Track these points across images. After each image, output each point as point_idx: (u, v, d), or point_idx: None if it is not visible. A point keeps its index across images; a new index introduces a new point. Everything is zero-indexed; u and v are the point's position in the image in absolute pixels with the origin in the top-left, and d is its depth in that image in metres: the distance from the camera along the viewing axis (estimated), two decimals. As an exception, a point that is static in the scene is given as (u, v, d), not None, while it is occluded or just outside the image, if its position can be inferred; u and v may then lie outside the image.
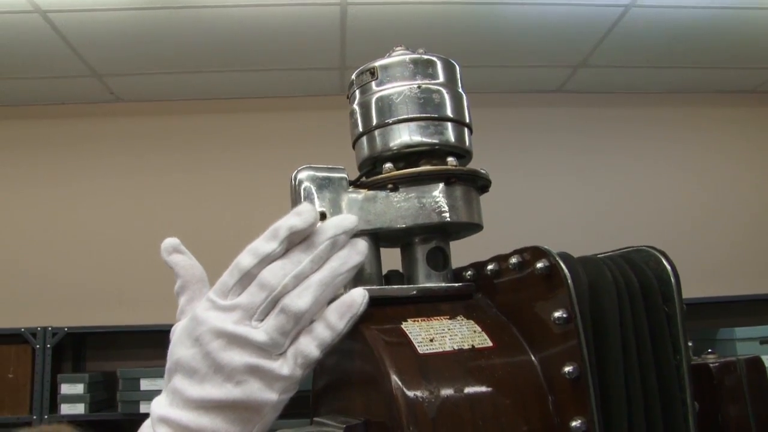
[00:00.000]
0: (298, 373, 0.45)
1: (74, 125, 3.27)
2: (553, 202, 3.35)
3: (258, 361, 0.44)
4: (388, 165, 0.53)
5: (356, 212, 0.52)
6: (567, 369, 0.43)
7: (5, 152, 3.24)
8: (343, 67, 3.13)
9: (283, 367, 0.44)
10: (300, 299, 0.45)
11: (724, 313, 3.22)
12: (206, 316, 0.45)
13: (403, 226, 0.52)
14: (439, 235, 0.54)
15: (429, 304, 0.51)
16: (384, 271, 0.55)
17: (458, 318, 0.50)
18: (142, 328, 2.71)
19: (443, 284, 0.52)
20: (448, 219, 0.52)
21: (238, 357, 0.44)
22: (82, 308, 2.97)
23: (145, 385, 2.63)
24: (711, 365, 0.65)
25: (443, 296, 0.52)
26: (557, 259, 0.45)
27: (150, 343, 2.82)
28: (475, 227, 0.55)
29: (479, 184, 0.56)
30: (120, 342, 3.03)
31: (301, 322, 0.45)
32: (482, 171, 0.55)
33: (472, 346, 0.47)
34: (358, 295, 0.46)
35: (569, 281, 0.44)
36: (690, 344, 0.48)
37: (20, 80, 3.05)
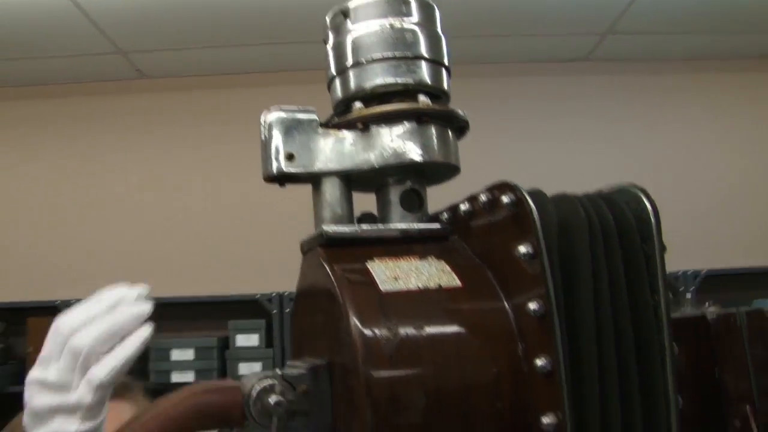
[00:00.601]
0: (87, 398, 0.52)
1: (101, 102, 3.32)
2: (580, 171, 3.29)
3: (55, 398, 0.52)
4: (358, 104, 0.52)
5: (327, 154, 0.51)
6: (532, 306, 0.42)
7: (31, 130, 3.29)
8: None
9: (73, 395, 0.52)
10: (82, 338, 0.53)
11: (762, 284, 3.14)
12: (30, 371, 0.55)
13: (375, 166, 0.51)
14: (413, 176, 0.53)
15: (399, 245, 0.50)
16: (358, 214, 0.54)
17: (428, 258, 0.48)
18: (174, 300, 2.76)
19: (416, 225, 0.51)
20: (419, 159, 0.51)
21: (42, 400, 0.52)
22: (113, 280, 3.02)
23: (176, 355, 2.68)
24: (708, 317, 0.62)
25: (415, 237, 0.50)
26: (523, 192, 0.43)
27: (180, 315, 2.86)
28: (452, 169, 0.54)
29: (456, 125, 0.54)
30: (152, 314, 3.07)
31: (84, 357, 0.52)
32: (459, 111, 0.54)
33: (439, 285, 0.46)
34: (144, 329, 0.56)
35: (534, 214, 0.42)
36: (688, 296, 0.46)
37: (44, 60, 3.09)
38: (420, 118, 0.51)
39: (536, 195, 0.44)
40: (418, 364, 0.42)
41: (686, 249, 2.84)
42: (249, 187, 3.12)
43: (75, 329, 0.53)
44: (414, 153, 0.51)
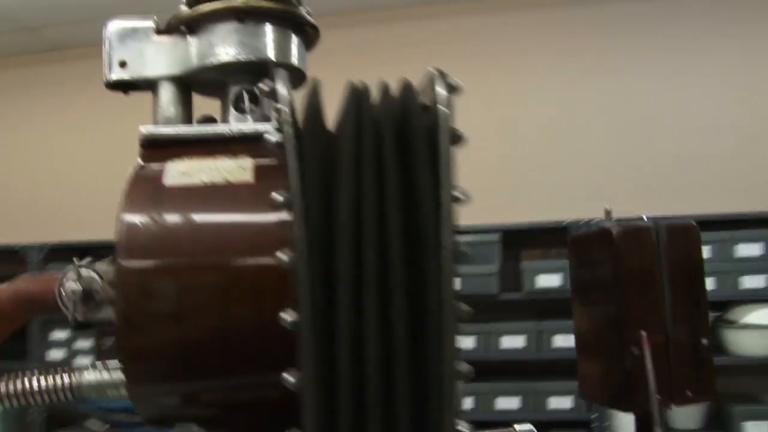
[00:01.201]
0: None
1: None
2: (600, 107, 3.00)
3: None
4: (183, 7, 0.52)
5: (160, 59, 0.52)
6: (279, 198, 0.40)
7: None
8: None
9: None
10: None
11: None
12: None
13: (197, 67, 0.51)
14: (251, 76, 0.52)
15: (218, 145, 0.49)
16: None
17: (238, 156, 0.48)
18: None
19: (234, 126, 0.51)
20: (237, 58, 0.50)
21: None
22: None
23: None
24: (614, 231, 0.56)
25: (234, 138, 0.50)
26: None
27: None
28: (293, 71, 0.53)
29: (293, 23, 0.52)
30: None
31: None
32: (298, 11, 0.52)
33: (228, 180, 0.46)
34: None
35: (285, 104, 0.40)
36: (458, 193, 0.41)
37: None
38: (239, 16, 0.50)
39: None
40: (176, 255, 0.43)
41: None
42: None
43: None
44: (231, 52, 0.50)
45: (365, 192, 0.40)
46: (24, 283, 0.49)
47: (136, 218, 0.43)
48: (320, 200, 0.40)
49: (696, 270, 0.57)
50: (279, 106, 0.40)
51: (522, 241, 2.90)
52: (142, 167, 0.47)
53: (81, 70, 2.97)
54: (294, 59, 0.52)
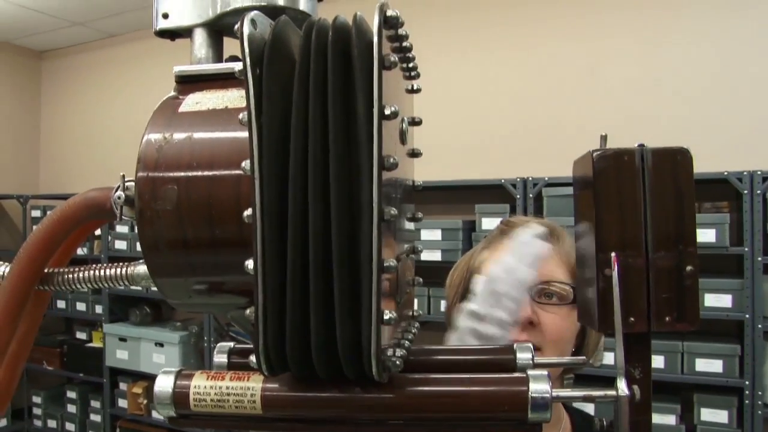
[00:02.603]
0: None
1: None
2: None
3: None
4: (208, -37, 0.61)
5: (195, 10, 0.62)
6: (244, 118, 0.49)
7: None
8: None
9: None
10: None
11: None
12: None
13: (225, 12, 0.61)
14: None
15: (232, 79, 0.59)
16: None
17: (241, 87, 0.57)
18: (425, 185, 3.01)
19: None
20: (253, 3, 0.59)
21: None
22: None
23: (425, 235, 2.94)
24: (593, 155, 0.58)
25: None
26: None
27: (431, 199, 3.09)
28: (298, 12, 0.60)
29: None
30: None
31: None
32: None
33: (227, 107, 0.56)
34: None
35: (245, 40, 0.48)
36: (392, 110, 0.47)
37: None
38: (251, -33, 0.58)
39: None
40: (176, 166, 0.53)
41: None
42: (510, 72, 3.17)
43: None
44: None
45: (312, 113, 0.47)
46: (91, 192, 0.63)
47: (152, 137, 0.54)
48: (273, 118, 0.48)
49: (683, 196, 0.57)
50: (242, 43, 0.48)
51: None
52: (168, 99, 0.58)
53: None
54: (300, 4, 0.60)
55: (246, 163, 0.48)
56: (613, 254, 0.56)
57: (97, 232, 4.14)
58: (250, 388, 0.52)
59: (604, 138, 0.60)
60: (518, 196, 2.87)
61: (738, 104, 2.85)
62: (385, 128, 0.47)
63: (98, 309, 4.30)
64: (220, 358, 0.61)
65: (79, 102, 5.04)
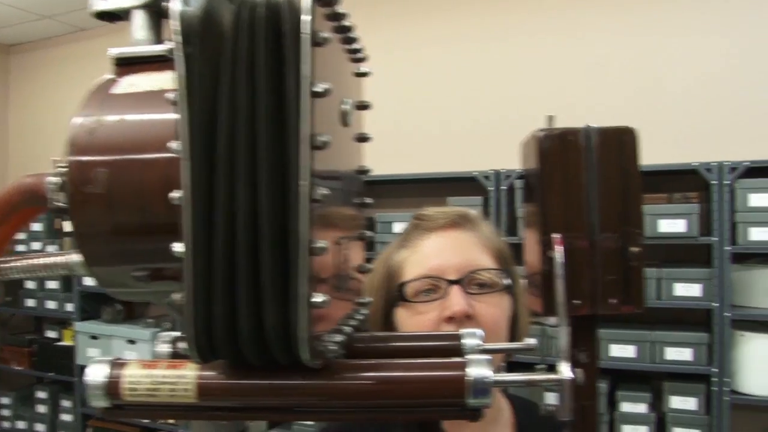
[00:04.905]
0: None
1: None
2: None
3: None
4: (143, -59, 0.59)
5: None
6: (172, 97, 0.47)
7: None
8: None
9: None
10: None
11: None
12: None
13: (156, -5, 0.59)
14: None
15: (168, 61, 0.57)
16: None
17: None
18: (397, 178, 3.01)
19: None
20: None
21: None
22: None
23: (397, 228, 2.94)
24: (540, 133, 0.57)
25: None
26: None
27: (403, 192, 3.11)
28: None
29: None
30: (381, 191, 3.37)
31: None
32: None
33: (161, 88, 0.54)
34: None
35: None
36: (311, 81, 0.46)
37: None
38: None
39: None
40: (109, 150, 0.52)
41: None
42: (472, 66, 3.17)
43: None
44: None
45: (238, 91, 0.46)
46: (25, 178, 0.61)
47: (81, 121, 0.52)
48: (203, 97, 0.46)
49: (629, 176, 0.57)
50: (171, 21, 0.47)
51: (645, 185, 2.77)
52: (103, 81, 0.56)
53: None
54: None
55: (175, 144, 0.46)
56: (556, 236, 0.55)
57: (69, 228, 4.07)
58: (184, 376, 0.51)
59: (550, 118, 0.59)
60: (491, 189, 2.87)
61: (707, 97, 2.88)
62: (318, 107, 0.46)
63: (69, 307, 4.24)
64: (162, 347, 0.60)
65: (48, 97, 4.96)
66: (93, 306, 4.22)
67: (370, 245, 2.98)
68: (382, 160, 3.20)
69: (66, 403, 4.33)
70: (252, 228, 0.45)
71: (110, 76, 0.58)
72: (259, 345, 0.45)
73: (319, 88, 0.44)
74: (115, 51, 0.59)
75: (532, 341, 0.64)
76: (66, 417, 4.33)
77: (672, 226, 2.60)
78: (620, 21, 3.03)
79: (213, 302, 0.45)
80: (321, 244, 0.44)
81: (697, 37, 2.90)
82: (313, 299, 0.44)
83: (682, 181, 2.72)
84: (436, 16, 3.40)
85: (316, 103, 0.45)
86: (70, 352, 4.19)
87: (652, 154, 2.61)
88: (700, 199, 2.67)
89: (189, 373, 0.51)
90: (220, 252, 0.45)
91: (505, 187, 2.84)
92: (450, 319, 0.87)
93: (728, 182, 2.54)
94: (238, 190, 0.45)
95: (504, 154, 2.98)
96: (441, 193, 2.89)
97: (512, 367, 2.55)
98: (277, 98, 0.46)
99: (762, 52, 2.81)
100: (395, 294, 0.95)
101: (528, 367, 0.55)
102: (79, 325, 4.11)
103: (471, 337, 0.60)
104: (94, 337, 4.04)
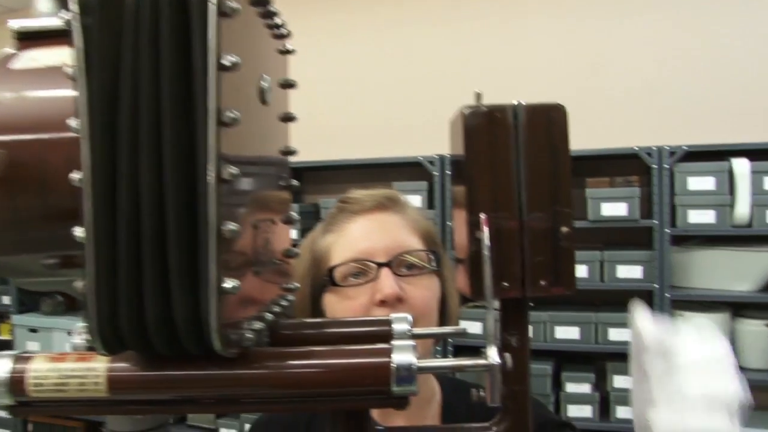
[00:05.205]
0: None
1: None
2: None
3: None
4: None
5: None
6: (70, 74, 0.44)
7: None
8: None
9: None
10: None
11: None
12: None
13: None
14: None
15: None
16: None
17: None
18: (342, 163, 2.99)
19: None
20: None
21: None
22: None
23: (345, 213, 2.91)
24: (465, 110, 0.55)
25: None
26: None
27: (349, 178, 3.08)
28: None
29: None
30: (326, 176, 3.35)
31: None
32: None
33: (64, 62, 0.50)
34: None
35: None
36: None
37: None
38: None
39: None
40: (5, 128, 0.48)
41: None
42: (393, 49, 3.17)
43: None
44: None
45: (141, 65, 0.43)
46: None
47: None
48: (103, 70, 0.43)
49: (558, 153, 0.56)
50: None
51: (588, 169, 2.82)
52: (2, 56, 0.52)
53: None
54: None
55: (74, 121, 0.43)
56: (482, 216, 0.54)
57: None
58: (94, 369, 0.48)
59: (478, 95, 0.58)
60: (436, 173, 2.86)
61: (648, 83, 2.93)
62: (228, 82, 0.43)
63: (5, 300, 4.08)
64: (78, 339, 0.56)
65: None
66: (32, 299, 4.08)
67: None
68: (327, 145, 3.20)
69: (5, 400, 4.18)
70: (158, 210, 0.42)
71: (10, 50, 0.54)
72: (169, 335, 0.43)
73: (227, 61, 0.42)
74: (16, 24, 0.55)
75: (461, 327, 0.63)
76: (4, 414, 4.18)
77: (614, 209, 2.65)
78: (560, 4, 3.06)
79: (117, 290, 0.43)
80: (232, 226, 0.41)
81: (639, 23, 2.95)
82: (224, 285, 0.41)
83: (624, 165, 2.76)
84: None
85: (226, 78, 0.42)
86: (8, 346, 4.05)
87: (594, 139, 2.67)
88: (641, 183, 2.72)
89: (99, 366, 0.48)
90: (124, 236, 0.42)
91: (450, 172, 2.83)
92: (381, 303, 0.85)
93: (668, 166, 2.60)
94: (143, 170, 0.42)
95: (448, 138, 2.97)
96: (386, 179, 2.87)
97: (459, 350, 2.56)
98: (182, 72, 0.43)
99: (701, 38, 2.87)
100: (323, 279, 0.92)
101: (475, 351, 0.54)
102: (17, 318, 3.97)
103: (401, 322, 0.59)
104: (33, 330, 3.91)
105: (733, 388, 0.54)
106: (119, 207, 0.42)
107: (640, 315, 0.56)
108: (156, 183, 0.42)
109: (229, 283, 0.41)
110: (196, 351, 0.43)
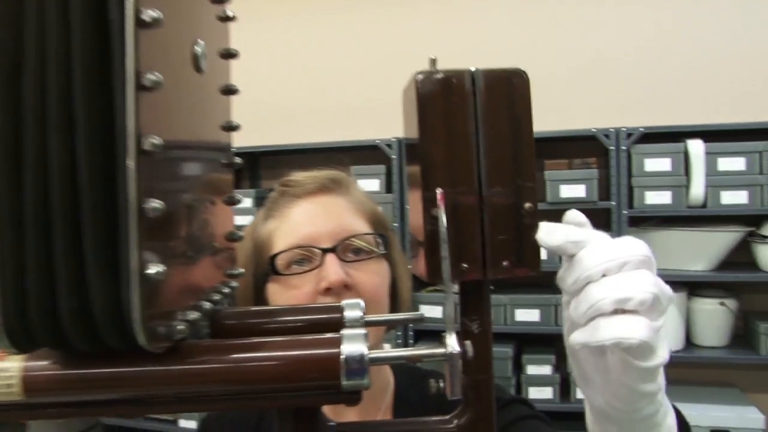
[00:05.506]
0: None
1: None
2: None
3: None
4: None
5: None
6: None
7: None
8: None
9: None
10: None
11: None
12: None
13: None
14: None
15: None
16: None
17: None
18: (299, 147, 2.93)
19: None
20: None
21: None
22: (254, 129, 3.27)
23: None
24: (418, 77, 0.51)
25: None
26: None
27: (306, 161, 3.02)
28: None
29: None
30: (283, 161, 3.27)
31: None
32: None
33: None
34: None
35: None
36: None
37: None
38: None
39: None
40: None
41: None
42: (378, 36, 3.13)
43: None
44: None
45: (48, 21, 0.37)
46: None
47: None
48: (6, 32, 0.37)
49: (520, 124, 0.51)
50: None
51: (546, 151, 2.81)
52: None
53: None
54: None
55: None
56: (439, 191, 0.49)
57: None
58: (6, 370, 0.42)
59: (432, 61, 0.53)
60: (393, 157, 2.82)
61: (605, 65, 2.93)
62: (150, 42, 0.38)
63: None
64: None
65: None
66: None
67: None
68: (284, 129, 3.13)
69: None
70: (70, 188, 0.37)
71: None
72: (86, 329, 0.38)
73: (147, 16, 0.36)
74: None
75: (418, 313, 0.59)
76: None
77: (572, 191, 2.64)
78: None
79: (25, 278, 0.37)
80: (156, 204, 0.36)
81: (596, 4, 2.94)
82: (148, 271, 0.36)
83: (582, 147, 2.76)
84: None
85: (147, 35, 0.37)
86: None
87: (552, 121, 2.66)
88: (598, 165, 2.72)
89: (12, 365, 0.43)
90: (32, 217, 0.37)
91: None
92: (327, 291, 0.80)
93: (625, 147, 2.60)
94: (52, 143, 0.37)
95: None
96: (344, 162, 2.81)
97: (420, 335, 2.52)
98: (96, 29, 0.37)
99: (656, 21, 2.88)
100: (265, 268, 0.87)
101: (437, 336, 0.49)
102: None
103: (353, 309, 0.54)
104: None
105: (647, 287, 0.50)
106: (26, 185, 0.37)
107: (543, 228, 0.52)
108: (68, 157, 0.37)
109: (153, 269, 0.36)
110: (118, 346, 0.38)
